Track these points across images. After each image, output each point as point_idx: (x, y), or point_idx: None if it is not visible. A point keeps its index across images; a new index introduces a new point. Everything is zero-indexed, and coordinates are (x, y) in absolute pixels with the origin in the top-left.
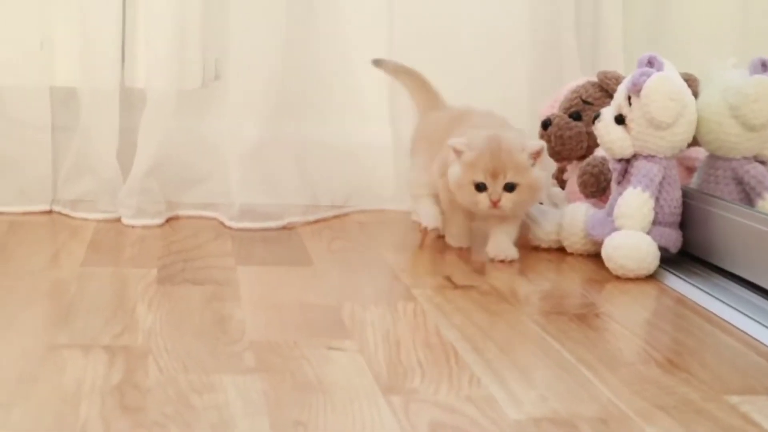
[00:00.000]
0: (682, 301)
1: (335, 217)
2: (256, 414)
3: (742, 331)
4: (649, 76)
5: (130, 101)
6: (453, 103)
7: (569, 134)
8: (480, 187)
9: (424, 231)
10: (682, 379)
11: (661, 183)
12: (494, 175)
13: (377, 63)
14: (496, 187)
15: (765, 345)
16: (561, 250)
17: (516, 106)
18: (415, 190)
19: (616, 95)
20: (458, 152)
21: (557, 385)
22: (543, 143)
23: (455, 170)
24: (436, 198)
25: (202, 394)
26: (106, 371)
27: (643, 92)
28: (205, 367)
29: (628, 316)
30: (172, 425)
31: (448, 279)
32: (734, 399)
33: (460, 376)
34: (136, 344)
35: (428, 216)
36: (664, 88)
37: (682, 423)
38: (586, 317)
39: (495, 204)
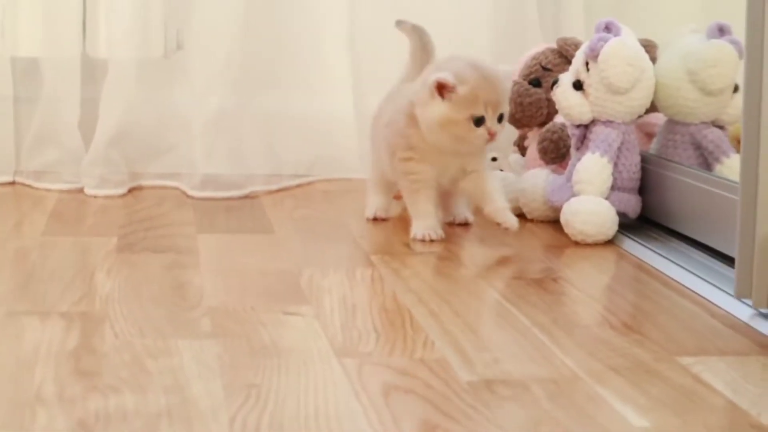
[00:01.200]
0: (640, 265)
1: (299, 186)
2: (210, 377)
3: (698, 294)
4: (606, 41)
5: (92, 71)
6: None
7: (529, 101)
8: (479, 122)
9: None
10: (635, 341)
11: (619, 148)
12: (493, 107)
13: (398, 24)
14: (493, 119)
15: (720, 307)
16: (521, 216)
17: None
18: (369, 184)
19: (573, 61)
20: (448, 88)
21: (511, 348)
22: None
23: (439, 109)
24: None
25: (157, 359)
26: (63, 337)
27: (600, 57)
28: (161, 332)
29: (585, 280)
30: (125, 388)
31: (407, 245)
32: (686, 360)
33: (414, 339)
34: (94, 310)
35: (376, 209)
36: (621, 53)
37: (633, 383)
38: (543, 282)
39: (492, 136)
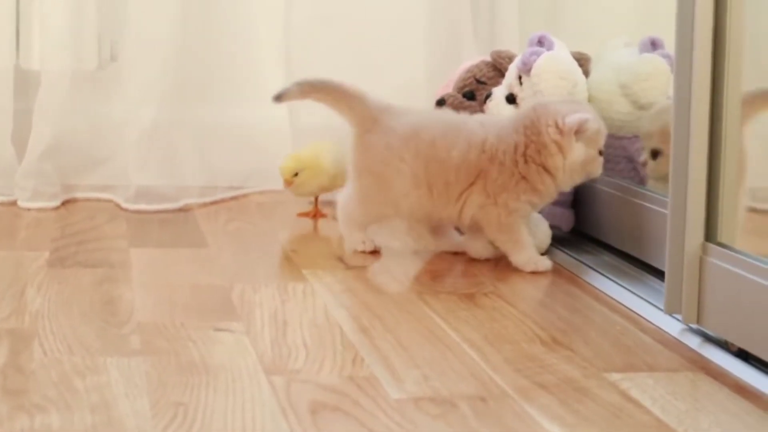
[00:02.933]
0: (572, 279)
1: (233, 198)
2: (137, 395)
3: (628, 308)
4: (539, 55)
5: (25, 83)
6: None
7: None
8: (601, 153)
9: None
10: (565, 357)
11: None
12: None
13: (279, 98)
14: None
15: (650, 322)
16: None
17: (414, 87)
18: (349, 221)
19: (507, 74)
20: (584, 128)
21: (440, 364)
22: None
23: (580, 151)
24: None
25: (85, 377)
26: None
27: (533, 71)
28: (90, 350)
29: (517, 295)
30: (52, 407)
31: (340, 259)
32: (615, 376)
33: (344, 356)
34: (23, 327)
35: (369, 241)
36: (553, 67)
37: (561, 400)
38: (474, 296)
39: None
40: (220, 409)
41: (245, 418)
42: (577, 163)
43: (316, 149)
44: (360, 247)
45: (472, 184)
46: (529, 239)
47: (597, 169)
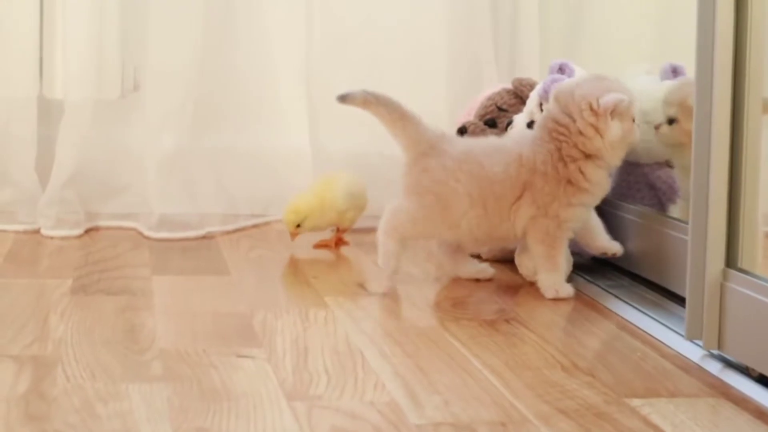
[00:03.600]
0: (593, 305)
1: (254, 226)
2: (159, 421)
3: (649, 334)
4: (559, 82)
5: (48, 111)
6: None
7: None
8: (633, 120)
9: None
10: (585, 383)
11: None
12: None
13: (343, 99)
14: None
15: (671, 348)
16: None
17: (435, 115)
18: (390, 230)
19: (528, 102)
20: (619, 108)
21: (460, 390)
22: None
23: (617, 128)
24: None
25: (107, 403)
26: (13, 381)
27: None
28: (112, 376)
29: (538, 321)
30: None
31: (361, 286)
32: (636, 402)
33: (365, 381)
34: (46, 354)
35: (392, 262)
36: None
37: (581, 426)
38: (496, 323)
39: None
40: None
41: None
42: (616, 140)
43: (323, 189)
44: (384, 265)
45: (519, 197)
46: (563, 265)
47: (635, 137)
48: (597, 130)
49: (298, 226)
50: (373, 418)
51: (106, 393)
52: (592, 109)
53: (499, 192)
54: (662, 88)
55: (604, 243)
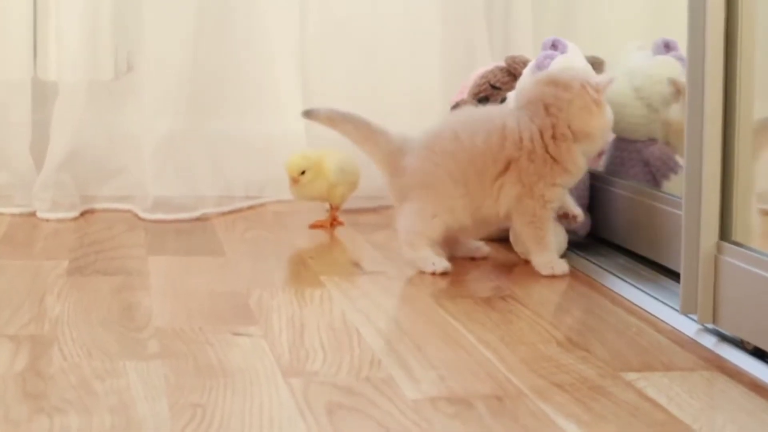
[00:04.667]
0: (589, 282)
1: (250, 207)
2: (155, 397)
3: (644, 310)
4: (552, 58)
5: (42, 94)
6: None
7: None
8: None
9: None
10: (580, 358)
11: None
12: None
13: (307, 114)
14: None
15: (666, 323)
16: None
17: (429, 94)
18: (413, 238)
19: (520, 78)
20: (610, 87)
21: (456, 365)
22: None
23: (608, 110)
24: (433, 244)
25: (104, 380)
26: (10, 359)
27: None
28: (109, 354)
29: (533, 298)
30: (71, 410)
31: (357, 265)
32: (631, 376)
33: (361, 358)
34: (42, 333)
35: (439, 261)
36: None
37: (576, 399)
38: (491, 300)
39: None
40: (238, 410)
41: (263, 419)
42: (609, 122)
43: (323, 153)
44: (430, 268)
45: (502, 173)
46: (553, 241)
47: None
48: (598, 106)
49: (303, 173)
50: (370, 393)
51: (103, 370)
52: (595, 88)
53: (479, 165)
54: (654, 64)
55: (569, 206)
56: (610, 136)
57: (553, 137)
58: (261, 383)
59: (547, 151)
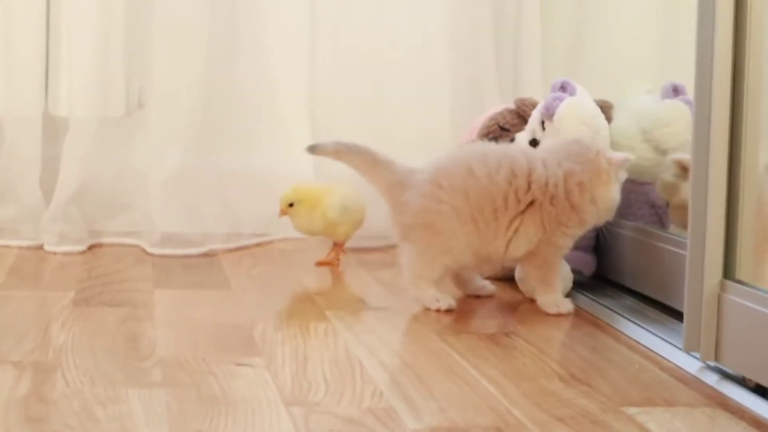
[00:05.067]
0: (593, 322)
1: (257, 245)
2: (157, 424)
3: (647, 348)
4: (561, 100)
5: (53, 129)
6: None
7: None
8: None
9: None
10: (582, 392)
11: None
12: None
13: (312, 150)
14: None
15: (669, 360)
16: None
17: (438, 135)
18: (418, 280)
19: (530, 120)
20: (625, 166)
21: (458, 398)
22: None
23: (617, 187)
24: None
25: (106, 407)
26: (13, 385)
27: (555, 117)
28: (112, 381)
29: (537, 335)
30: None
31: (362, 301)
32: (632, 410)
33: (363, 389)
34: (46, 360)
35: (443, 298)
36: (575, 112)
37: None
38: (495, 336)
39: None
40: None
41: None
42: (615, 197)
43: (325, 189)
44: (434, 306)
45: (522, 212)
46: (560, 282)
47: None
48: (609, 178)
49: (291, 205)
50: (371, 422)
51: (106, 397)
52: (606, 157)
53: (498, 203)
54: (663, 107)
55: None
56: (610, 217)
57: (579, 184)
58: (263, 412)
59: (567, 198)
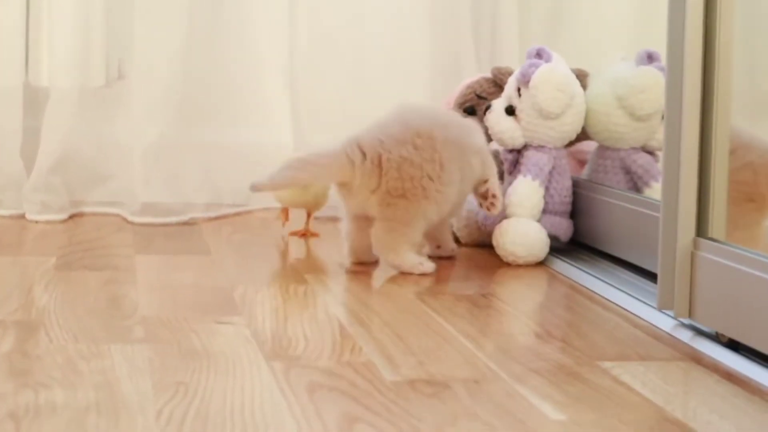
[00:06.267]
0: (569, 284)
1: (237, 214)
2: (140, 376)
3: (622, 307)
4: (537, 67)
5: (34, 99)
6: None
7: None
8: None
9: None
10: (558, 348)
11: (551, 172)
12: None
13: (254, 188)
14: None
15: (643, 319)
16: (456, 240)
17: None
18: (397, 246)
19: (506, 87)
20: None
21: (436, 353)
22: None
23: None
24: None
25: (89, 361)
26: None
27: (531, 83)
28: (94, 338)
29: (514, 296)
30: (56, 386)
31: (341, 265)
32: (607, 364)
33: (342, 345)
34: (29, 319)
35: (426, 261)
36: (551, 78)
37: (552, 383)
38: (473, 297)
39: None
40: (220, 388)
41: (244, 396)
42: None
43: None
44: (419, 270)
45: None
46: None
47: None
48: None
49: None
50: (350, 375)
51: (89, 352)
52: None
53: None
54: (638, 74)
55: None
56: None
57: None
58: (244, 366)
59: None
